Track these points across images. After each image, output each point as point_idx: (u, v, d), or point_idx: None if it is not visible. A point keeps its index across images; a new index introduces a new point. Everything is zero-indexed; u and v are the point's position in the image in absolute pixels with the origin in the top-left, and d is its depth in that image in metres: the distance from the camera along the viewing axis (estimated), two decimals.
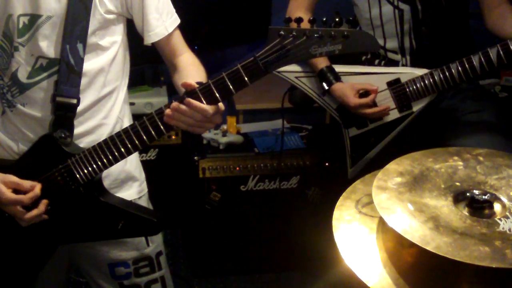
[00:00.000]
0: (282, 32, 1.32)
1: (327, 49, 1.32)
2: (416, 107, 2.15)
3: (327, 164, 2.93)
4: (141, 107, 2.94)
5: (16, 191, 1.54)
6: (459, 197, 1.22)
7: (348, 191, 1.39)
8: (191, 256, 3.13)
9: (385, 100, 2.19)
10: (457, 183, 1.25)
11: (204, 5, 3.06)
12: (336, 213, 1.31)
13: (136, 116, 1.56)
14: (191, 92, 1.42)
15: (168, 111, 1.44)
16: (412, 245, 1.09)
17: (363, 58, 2.30)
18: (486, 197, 1.20)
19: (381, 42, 2.20)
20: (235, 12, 3.26)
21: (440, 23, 2.13)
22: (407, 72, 2.14)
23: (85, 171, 1.55)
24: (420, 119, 2.19)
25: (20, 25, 1.51)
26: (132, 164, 1.76)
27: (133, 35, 1.71)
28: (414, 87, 2.11)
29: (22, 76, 1.56)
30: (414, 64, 2.17)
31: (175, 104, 1.42)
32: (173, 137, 3.05)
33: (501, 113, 2.18)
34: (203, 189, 2.90)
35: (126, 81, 1.74)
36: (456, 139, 2.08)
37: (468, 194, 1.22)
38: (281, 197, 2.94)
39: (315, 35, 1.30)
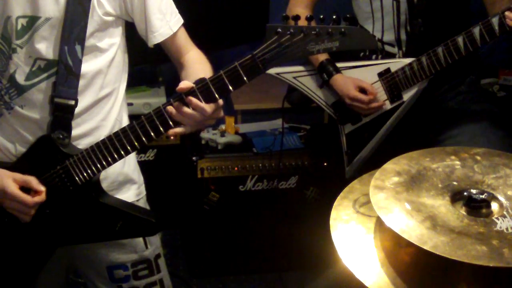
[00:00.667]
0: (279, 30, 1.33)
1: (324, 46, 1.32)
2: (406, 96, 2.16)
3: (325, 164, 2.93)
4: (140, 107, 2.94)
5: (23, 188, 1.53)
6: (456, 196, 1.22)
7: (346, 190, 1.39)
8: (189, 256, 3.13)
9: (377, 91, 2.20)
10: (455, 183, 1.25)
11: (202, 6, 3.06)
12: (334, 213, 1.31)
13: (134, 117, 1.56)
14: (189, 92, 1.42)
15: (170, 108, 1.43)
16: (410, 244, 1.09)
17: (361, 54, 2.31)
18: (483, 196, 1.20)
19: (378, 35, 2.21)
20: (233, 13, 3.27)
21: (436, 14, 2.13)
22: (397, 61, 2.15)
23: (84, 172, 1.55)
24: (414, 113, 2.19)
25: (19, 27, 1.51)
26: (130, 166, 1.77)
27: (132, 36, 1.71)
28: (403, 74, 2.12)
29: (20, 78, 1.56)
30: (409, 55, 2.17)
31: (176, 104, 1.43)
32: (171, 137, 3.04)
33: (499, 112, 2.19)
34: (202, 189, 2.90)
35: (124, 84, 1.74)
36: (451, 138, 2.09)
37: (465, 193, 1.21)
38: (279, 197, 2.95)
39: (313, 33, 1.31)
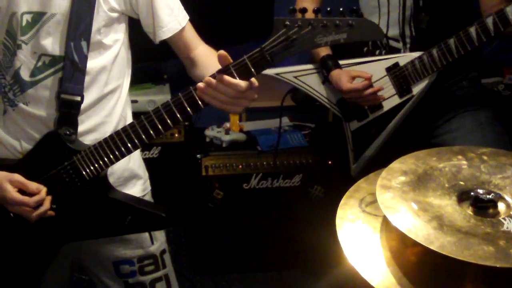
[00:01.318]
0: (287, 23, 1.33)
1: (332, 38, 1.32)
2: (416, 89, 2.14)
3: (330, 162, 2.93)
4: (144, 104, 2.94)
5: (22, 191, 1.54)
6: (463, 196, 1.21)
7: (352, 190, 1.39)
8: (193, 254, 3.13)
9: (386, 86, 2.19)
10: (461, 182, 1.25)
11: (207, 3, 3.05)
12: (340, 212, 1.31)
13: (138, 114, 1.56)
14: (223, 70, 1.39)
15: (200, 84, 1.40)
16: (416, 244, 1.09)
17: (365, 49, 2.30)
18: (490, 196, 1.19)
19: (383, 30, 2.20)
20: (238, 10, 3.26)
21: (440, 9, 2.12)
22: (405, 55, 2.14)
23: (91, 167, 1.55)
24: (420, 107, 2.19)
25: (24, 23, 1.51)
26: (135, 162, 1.77)
27: (137, 33, 1.71)
28: (413, 68, 2.11)
29: (25, 74, 1.56)
30: (415, 50, 2.16)
31: (207, 78, 1.40)
32: (176, 135, 3.05)
33: (499, 111, 2.19)
34: (206, 187, 2.90)
35: (128, 80, 1.74)
36: (448, 133, 2.11)
37: (472, 193, 1.21)
38: (283, 196, 2.94)
39: (320, 25, 1.31)
